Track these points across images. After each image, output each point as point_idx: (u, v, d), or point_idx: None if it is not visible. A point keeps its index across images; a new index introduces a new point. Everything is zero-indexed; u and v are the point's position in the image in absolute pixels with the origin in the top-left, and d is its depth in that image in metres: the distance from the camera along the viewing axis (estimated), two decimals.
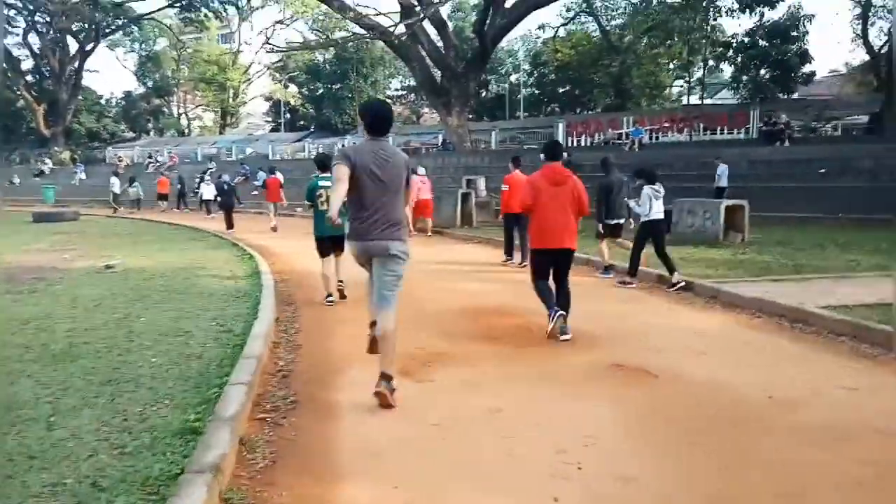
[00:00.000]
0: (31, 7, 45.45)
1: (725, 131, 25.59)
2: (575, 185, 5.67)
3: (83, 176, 38.97)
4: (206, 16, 54.58)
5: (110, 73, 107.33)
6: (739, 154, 20.90)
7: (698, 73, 36.99)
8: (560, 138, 28.28)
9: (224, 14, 56.79)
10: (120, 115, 58.36)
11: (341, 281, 7.35)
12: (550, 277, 5.66)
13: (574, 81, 42.09)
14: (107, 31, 49.22)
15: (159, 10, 50.21)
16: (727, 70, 32.80)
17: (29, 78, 50.39)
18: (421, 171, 15.58)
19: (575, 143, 28.37)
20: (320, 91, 50.74)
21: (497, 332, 5.70)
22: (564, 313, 5.43)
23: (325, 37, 45.61)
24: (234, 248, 12.02)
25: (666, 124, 27.81)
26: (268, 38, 36.31)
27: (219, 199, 18.67)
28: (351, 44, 42.53)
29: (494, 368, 4.72)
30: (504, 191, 10.50)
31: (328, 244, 7.23)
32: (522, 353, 5.11)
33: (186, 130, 60.81)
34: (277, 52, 37.66)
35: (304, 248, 9.47)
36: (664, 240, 7.93)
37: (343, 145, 36.25)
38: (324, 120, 48.61)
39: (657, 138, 27.12)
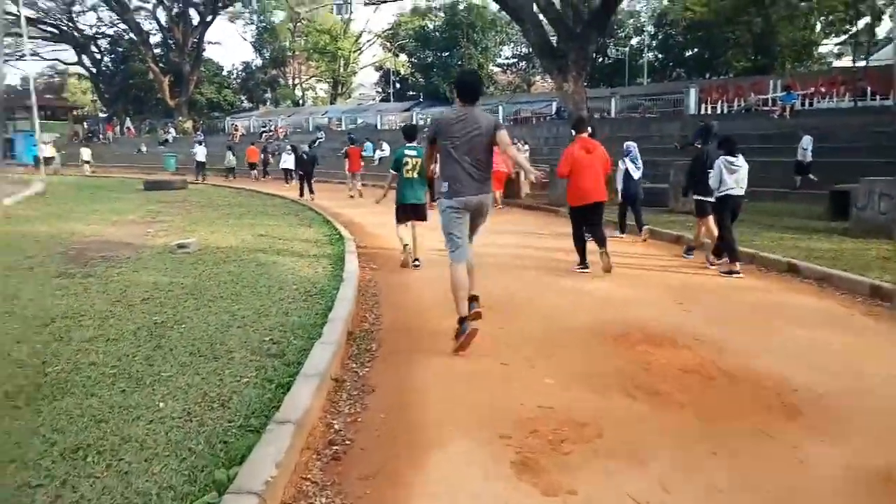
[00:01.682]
0: None
1: None
2: (602, 152, 7.21)
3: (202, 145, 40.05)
4: None
5: (232, 45, 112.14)
6: None
7: (853, 30, 31.83)
8: (692, 104, 25.10)
9: None
10: (239, 85, 60.17)
11: (417, 259, 7.55)
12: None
13: (705, 43, 37.81)
14: (226, 1, 50.35)
15: None
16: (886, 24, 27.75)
17: (158, 51, 52.86)
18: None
19: (710, 111, 25.00)
20: (429, 59, 49.23)
21: (664, 380, 3.80)
22: (604, 249, 6.96)
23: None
24: (326, 227, 10.76)
25: (822, 88, 23.80)
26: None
27: (297, 167, 18.88)
28: (462, 5, 40.58)
29: (685, 474, 2.71)
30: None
31: (409, 212, 7.44)
32: (722, 434, 3.10)
33: (301, 101, 61.76)
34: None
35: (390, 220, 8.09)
36: (734, 219, 7.27)
37: None
38: (432, 88, 47.19)
39: (810, 104, 23.24)
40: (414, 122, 13.14)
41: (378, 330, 4.87)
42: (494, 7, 49.27)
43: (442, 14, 47.26)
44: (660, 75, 41.72)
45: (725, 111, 25.17)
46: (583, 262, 7.24)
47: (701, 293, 6.16)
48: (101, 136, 50.32)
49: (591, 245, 7.28)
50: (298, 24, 57.80)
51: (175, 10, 49.07)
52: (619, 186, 9.94)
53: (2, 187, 14.35)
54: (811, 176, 15.09)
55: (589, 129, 7.65)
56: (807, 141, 15.24)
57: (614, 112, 28.68)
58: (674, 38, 40.80)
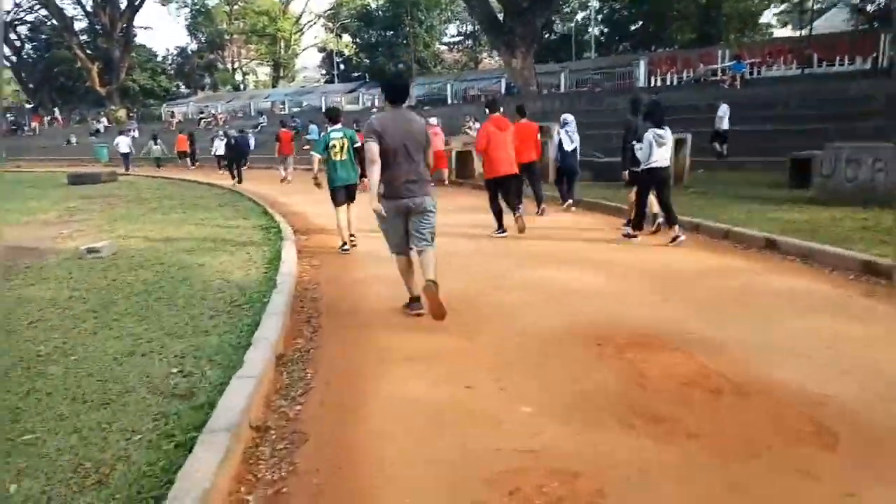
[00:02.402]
0: None
1: (847, 61, 21.47)
2: (511, 128, 7.95)
3: (135, 134, 37.81)
4: None
5: (165, 29, 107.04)
6: (870, 86, 17.18)
7: None
8: (642, 77, 24.84)
9: None
10: (174, 71, 57.33)
11: (353, 235, 7.45)
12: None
13: (650, 16, 37.63)
14: None
15: None
16: None
17: (85, 38, 49.69)
18: (433, 121, 14.85)
19: (660, 83, 24.74)
20: (373, 39, 47.72)
21: (665, 399, 3.10)
22: (518, 214, 7.85)
23: None
24: (264, 218, 9.79)
25: (769, 57, 23.80)
26: None
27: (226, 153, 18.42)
28: None
29: None
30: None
31: (342, 194, 7.32)
32: (752, 480, 2.41)
33: (242, 85, 59.30)
34: None
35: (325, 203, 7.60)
36: (669, 189, 7.36)
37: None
38: (377, 69, 45.79)
39: (758, 73, 23.20)
40: (335, 105, 13.18)
41: (315, 349, 4.05)
42: None
43: None
44: (606, 49, 41.43)
45: (675, 82, 24.96)
46: (499, 228, 7.97)
47: (678, 279, 5.56)
48: (25, 127, 47.21)
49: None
50: (235, 6, 55.29)
51: None
52: (552, 156, 10.26)
53: None
54: (716, 146, 15.27)
55: (501, 108, 8.23)
56: (724, 109, 15.32)
57: (564, 87, 28.23)
58: (618, 12, 40.51)
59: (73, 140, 39.85)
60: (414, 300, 4.70)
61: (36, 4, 47.91)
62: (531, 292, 5.24)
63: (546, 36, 42.49)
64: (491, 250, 7.20)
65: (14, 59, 51.54)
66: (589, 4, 42.85)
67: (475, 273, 5.99)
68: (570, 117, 10.17)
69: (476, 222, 8.53)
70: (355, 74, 51.31)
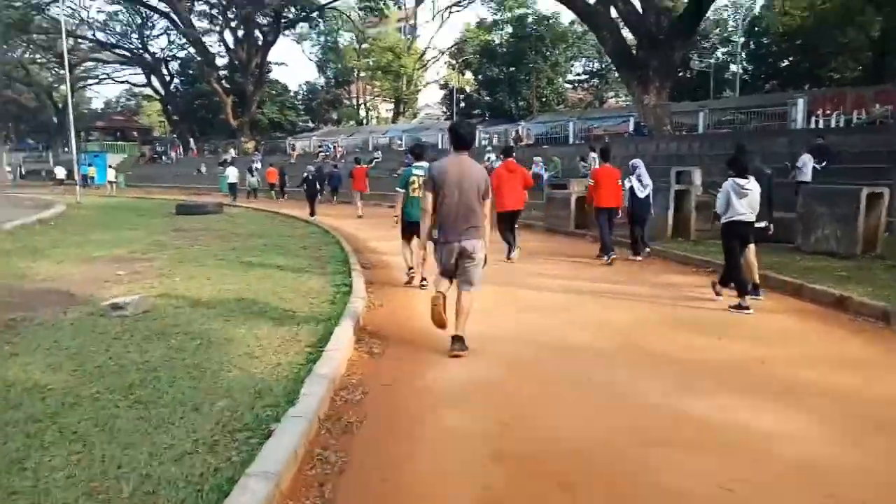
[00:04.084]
0: (225, 3, 47.09)
1: None
2: (522, 172, 9.75)
3: (258, 166, 38.91)
4: (384, 2, 53.72)
5: (299, 67, 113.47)
6: None
7: None
8: (799, 118, 21.46)
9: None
10: (303, 105, 59.62)
11: (411, 268, 7.58)
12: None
13: (804, 51, 33.62)
14: (289, 22, 49.86)
15: None
16: None
17: (224, 73, 52.88)
18: (487, 161, 16.13)
19: (822, 125, 21.22)
20: (495, 74, 46.60)
21: None
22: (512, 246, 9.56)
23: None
24: (341, 274, 8.18)
25: None
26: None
27: (304, 187, 19.21)
28: (531, 18, 38.06)
29: None
30: (590, 185, 10.32)
31: (414, 229, 7.00)
32: None
33: (365, 120, 60.54)
34: None
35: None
36: (750, 246, 6.68)
37: (517, 131, 32.18)
38: (497, 105, 44.63)
39: None
40: (419, 142, 14.34)
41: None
42: (567, 19, 46.73)
43: (509, 27, 44.82)
44: (751, 88, 37.62)
45: (842, 124, 21.34)
46: (509, 254, 9.52)
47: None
48: (165, 157, 50.52)
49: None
50: (364, 44, 56.77)
51: (241, 32, 48.83)
52: (626, 205, 9.81)
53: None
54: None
55: (514, 154, 10.09)
56: (806, 158, 13.10)
57: (702, 127, 25.27)
58: (766, 47, 36.70)
59: (203, 169, 41.77)
60: (455, 339, 4.76)
61: (185, 42, 51.58)
62: (723, 466, 3.07)
63: (681, 74, 39.43)
64: (634, 356, 5.06)
65: (162, 92, 55.79)
66: (731, 39, 39.32)
67: (612, 404, 3.90)
68: (639, 162, 9.82)
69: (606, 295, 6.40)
70: (476, 112, 50.54)
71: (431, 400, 3.95)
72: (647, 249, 9.99)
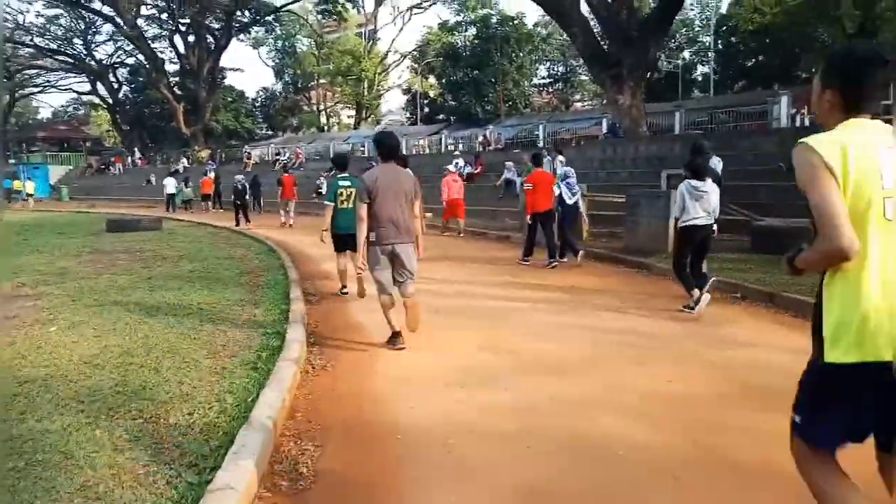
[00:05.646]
0: (174, 6, 44.61)
1: None
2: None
3: (211, 175, 36.46)
4: (342, 6, 51.83)
5: (256, 73, 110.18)
6: None
7: None
8: (783, 116, 20.42)
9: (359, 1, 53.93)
10: (259, 112, 57.20)
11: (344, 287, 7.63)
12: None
13: (774, 49, 32.93)
14: (242, 25, 47.65)
15: (293, 1, 47.87)
16: None
17: (175, 79, 50.20)
18: (452, 167, 15.75)
19: (808, 123, 20.14)
20: (459, 77, 44.96)
21: None
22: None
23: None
24: (279, 306, 6.38)
25: None
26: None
27: (233, 197, 19.15)
28: (495, 18, 36.66)
29: None
30: (528, 190, 10.00)
31: (346, 241, 7.08)
32: None
33: (326, 127, 58.33)
34: None
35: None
36: (705, 252, 6.66)
37: (485, 136, 30.66)
38: (463, 109, 43.04)
39: None
40: (342, 152, 14.07)
41: None
42: (531, 20, 45.53)
43: (473, 29, 43.35)
44: (719, 88, 36.88)
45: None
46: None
47: None
48: (111, 168, 47.64)
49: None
50: (323, 49, 54.64)
51: (191, 38, 46.33)
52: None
53: None
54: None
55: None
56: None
57: (678, 128, 24.10)
58: (734, 46, 36.01)
59: (153, 180, 39.19)
60: (395, 335, 5.12)
61: (133, 48, 48.76)
62: None
63: (649, 75, 38.52)
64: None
65: (110, 100, 52.80)
66: (698, 39, 38.59)
67: None
68: (570, 170, 10.30)
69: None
70: (440, 116, 48.89)
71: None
72: (581, 252, 9.91)
